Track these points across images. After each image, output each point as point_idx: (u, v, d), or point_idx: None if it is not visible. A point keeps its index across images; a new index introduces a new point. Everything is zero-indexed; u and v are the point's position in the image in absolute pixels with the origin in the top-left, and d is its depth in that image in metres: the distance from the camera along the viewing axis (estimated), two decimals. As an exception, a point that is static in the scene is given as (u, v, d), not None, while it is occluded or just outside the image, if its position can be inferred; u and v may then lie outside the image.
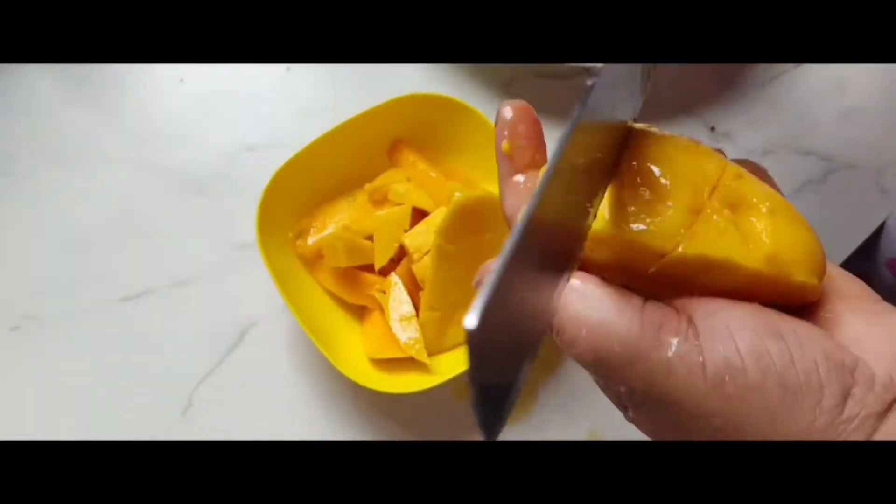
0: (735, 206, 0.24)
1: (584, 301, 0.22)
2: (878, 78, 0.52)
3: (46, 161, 0.48)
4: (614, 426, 0.45)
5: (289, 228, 0.44)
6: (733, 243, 0.23)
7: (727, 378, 0.21)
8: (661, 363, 0.21)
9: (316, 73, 0.51)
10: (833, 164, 0.50)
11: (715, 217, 0.23)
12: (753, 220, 0.23)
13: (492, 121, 0.39)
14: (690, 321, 0.22)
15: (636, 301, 0.22)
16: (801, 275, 0.23)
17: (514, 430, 0.45)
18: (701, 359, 0.21)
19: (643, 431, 0.24)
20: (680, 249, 0.22)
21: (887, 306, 0.24)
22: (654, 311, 0.22)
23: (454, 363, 0.41)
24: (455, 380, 0.39)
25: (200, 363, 0.45)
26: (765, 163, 0.49)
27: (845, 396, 0.21)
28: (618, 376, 0.21)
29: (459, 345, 0.42)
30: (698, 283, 0.23)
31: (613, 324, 0.21)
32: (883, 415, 0.21)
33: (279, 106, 0.50)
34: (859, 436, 0.21)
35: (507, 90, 0.51)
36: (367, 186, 0.45)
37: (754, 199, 0.24)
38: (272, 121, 0.50)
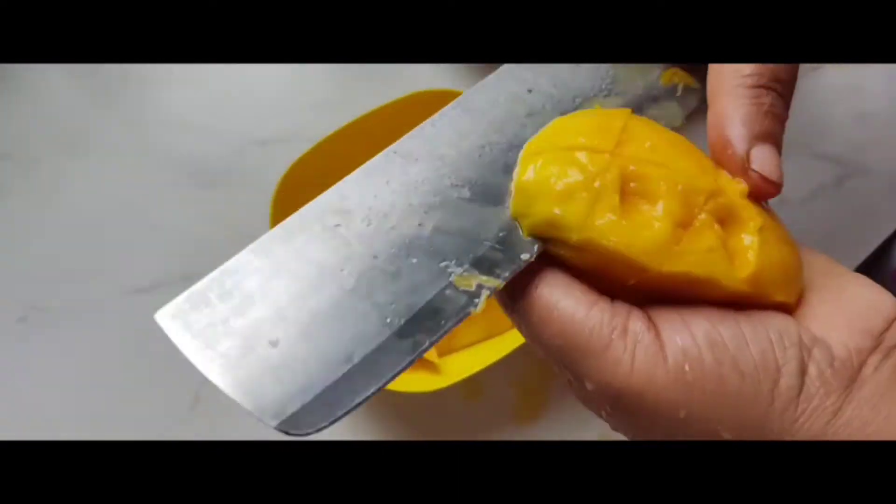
0: (725, 220, 0.23)
1: (556, 289, 0.22)
2: (893, 81, 0.52)
3: (56, 152, 0.48)
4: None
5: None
6: (720, 262, 0.22)
7: (687, 367, 0.21)
8: (627, 355, 0.21)
9: (327, 69, 0.51)
10: (847, 169, 0.50)
11: (705, 232, 0.22)
12: (743, 236, 0.23)
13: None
14: (650, 318, 0.22)
15: (605, 297, 0.23)
16: (779, 295, 0.23)
17: (524, 431, 0.45)
18: (662, 350, 0.21)
19: (616, 430, 0.24)
20: (664, 268, 0.22)
21: (850, 275, 0.24)
22: (621, 306, 0.22)
23: (465, 364, 0.40)
24: (466, 380, 0.39)
25: (208, 358, 0.45)
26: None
27: (803, 374, 0.21)
28: (583, 367, 0.22)
29: (471, 345, 0.42)
30: (678, 295, 0.23)
31: (584, 313, 0.22)
32: (846, 390, 0.21)
33: (290, 101, 0.50)
34: (822, 417, 0.21)
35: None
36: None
37: (745, 214, 0.23)
38: (283, 116, 0.50)
